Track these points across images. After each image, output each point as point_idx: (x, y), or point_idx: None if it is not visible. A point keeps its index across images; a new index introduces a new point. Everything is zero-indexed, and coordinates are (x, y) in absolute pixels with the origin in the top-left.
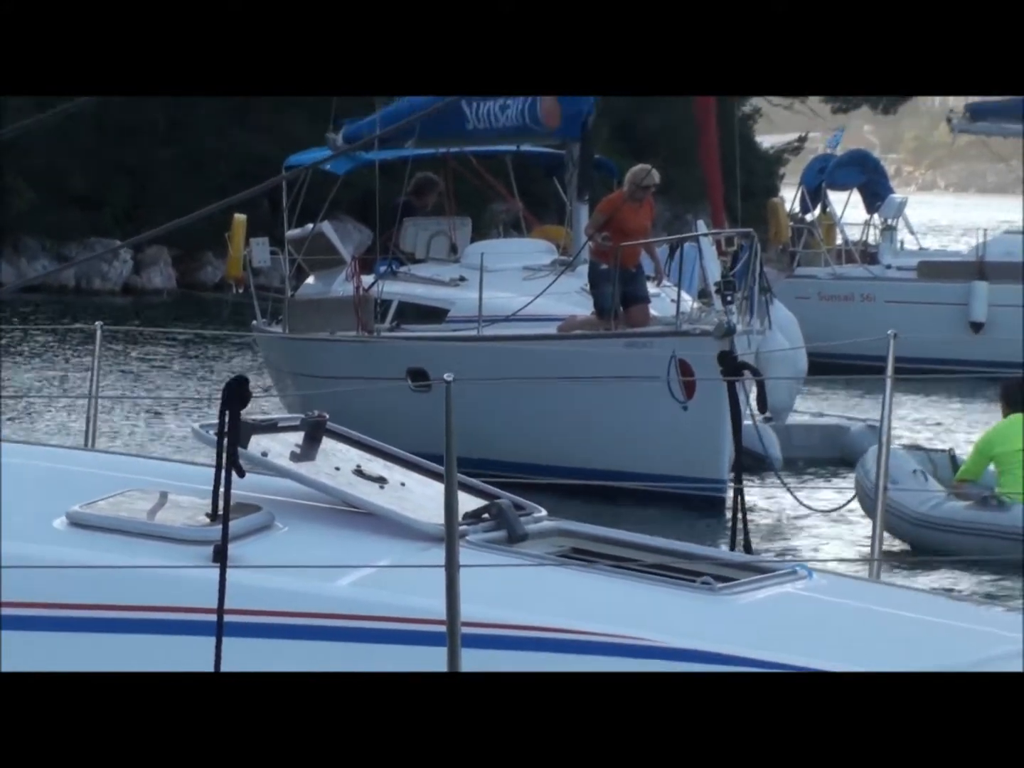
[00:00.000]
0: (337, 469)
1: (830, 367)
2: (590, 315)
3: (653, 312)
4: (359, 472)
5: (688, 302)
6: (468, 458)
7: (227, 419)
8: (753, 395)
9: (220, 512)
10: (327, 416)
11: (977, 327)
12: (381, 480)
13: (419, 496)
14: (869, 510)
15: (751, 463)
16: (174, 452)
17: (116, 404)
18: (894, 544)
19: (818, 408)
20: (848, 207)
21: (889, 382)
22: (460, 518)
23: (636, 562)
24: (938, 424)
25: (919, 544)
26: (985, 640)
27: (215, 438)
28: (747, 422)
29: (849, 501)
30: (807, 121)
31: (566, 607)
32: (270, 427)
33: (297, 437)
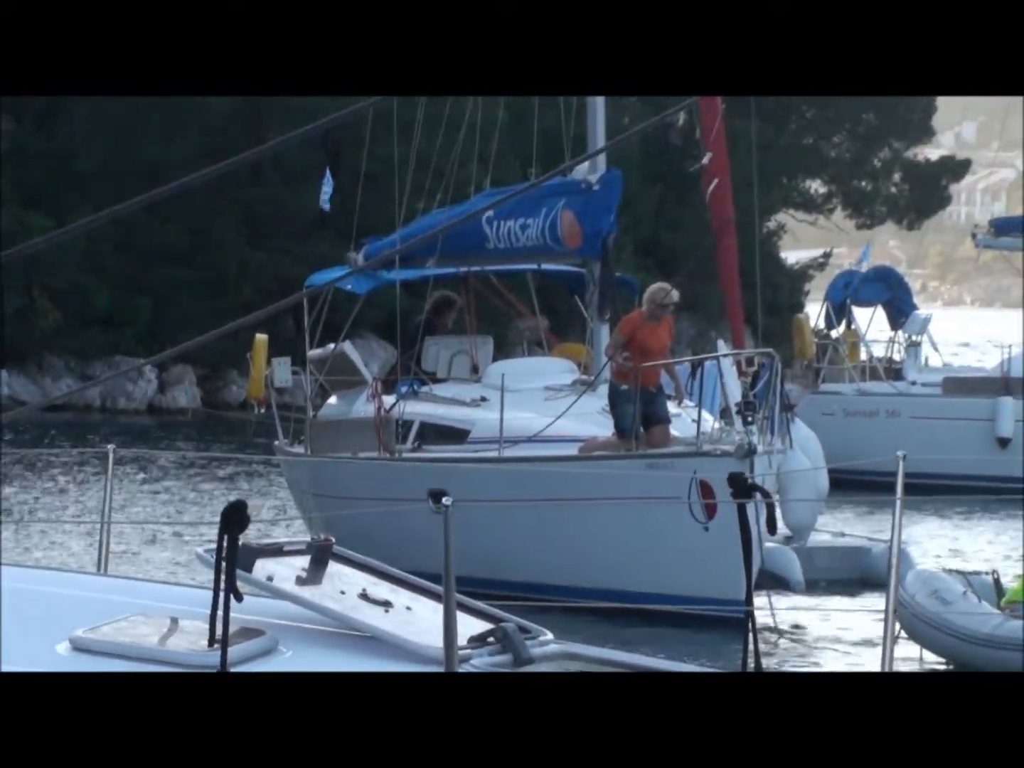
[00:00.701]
0: (342, 593)
1: (853, 484)
2: (611, 436)
3: (674, 432)
4: (364, 596)
5: (709, 422)
6: (488, 579)
7: (225, 543)
8: (764, 517)
9: (219, 637)
10: (333, 540)
11: (1004, 443)
12: (387, 604)
13: (424, 620)
14: (913, 632)
15: (773, 584)
16: (186, 575)
17: (133, 527)
18: (942, 664)
19: (839, 527)
20: (872, 323)
21: (899, 503)
22: (465, 642)
23: None
24: (968, 543)
25: (977, 665)
26: None
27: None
28: (771, 544)
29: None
30: (832, 236)
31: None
32: (275, 551)
33: (303, 561)
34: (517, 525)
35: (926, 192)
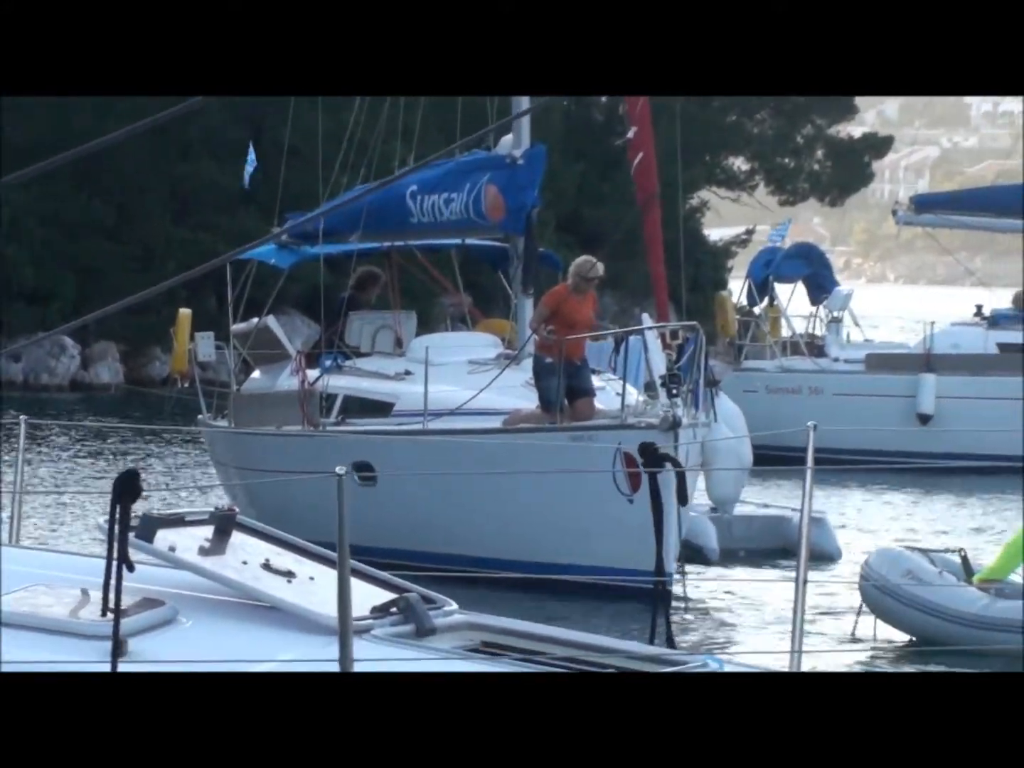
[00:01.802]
0: (245, 563)
1: (776, 459)
2: (535, 409)
3: (598, 405)
4: (267, 566)
5: (633, 395)
6: (413, 551)
7: (117, 513)
8: (674, 487)
9: (112, 606)
10: (237, 510)
11: (925, 419)
12: (289, 574)
13: (327, 590)
14: (882, 610)
15: (690, 554)
16: (100, 547)
17: (50, 499)
18: (904, 642)
19: (766, 500)
20: (794, 300)
21: (809, 473)
22: (368, 612)
23: (545, 655)
24: (890, 517)
25: (961, 643)
26: None
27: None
28: (693, 514)
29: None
30: (755, 213)
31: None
32: (177, 521)
33: (207, 531)
34: (442, 498)
35: (849, 169)
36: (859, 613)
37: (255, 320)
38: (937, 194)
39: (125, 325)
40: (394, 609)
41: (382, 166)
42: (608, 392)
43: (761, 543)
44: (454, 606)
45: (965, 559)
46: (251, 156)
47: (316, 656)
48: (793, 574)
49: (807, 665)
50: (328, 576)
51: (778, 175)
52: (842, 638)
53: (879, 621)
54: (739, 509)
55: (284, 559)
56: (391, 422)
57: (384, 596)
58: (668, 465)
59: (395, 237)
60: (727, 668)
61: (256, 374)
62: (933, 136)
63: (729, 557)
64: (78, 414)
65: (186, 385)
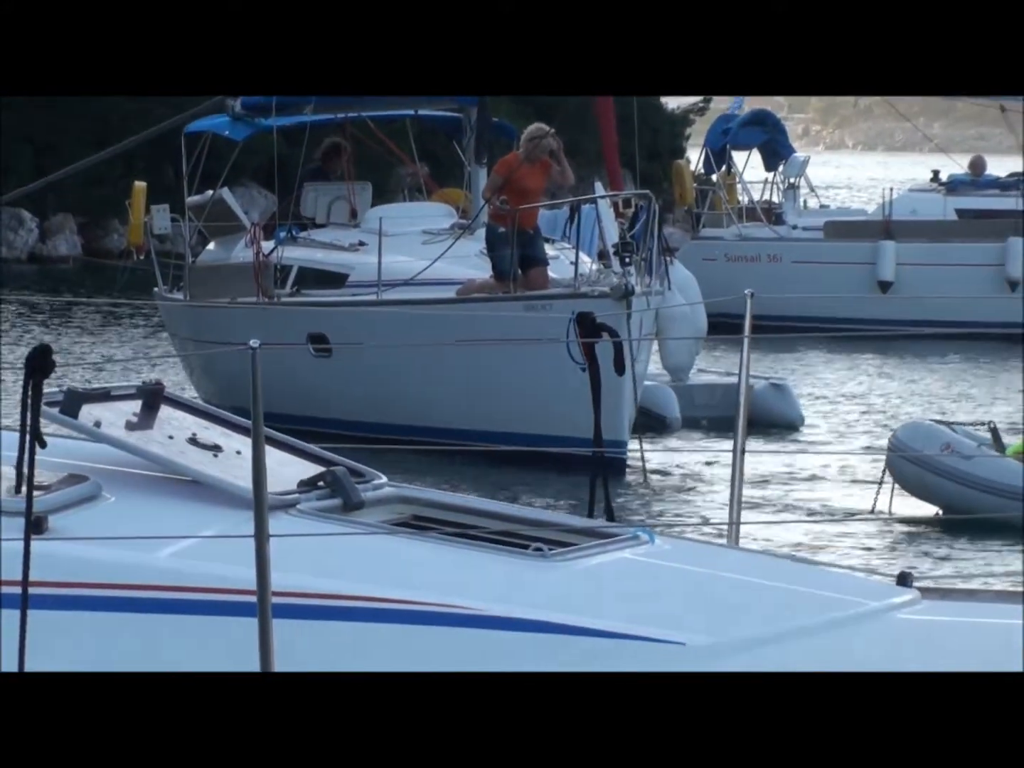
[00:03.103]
0: (171, 438)
1: (732, 327)
2: (489, 278)
3: (552, 274)
4: (193, 440)
5: (587, 264)
6: (367, 422)
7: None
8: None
9: (25, 483)
10: (164, 384)
11: (885, 286)
12: (216, 448)
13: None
14: (918, 485)
15: (652, 423)
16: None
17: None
18: (935, 514)
19: (727, 368)
20: (752, 167)
21: (746, 342)
22: (295, 486)
23: (476, 529)
24: (857, 384)
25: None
26: (820, 604)
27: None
28: (648, 382)
29: None
30: None
31: (389, 576)
32: (103, 396)
33: (134, 406)
34: (396, 368)
35: None
36: (880, 483)
37: (210, 192)
38: None
39: (83, 197)
40: (321, 483)
41: None
42: (562, 261)
43: (724, 411)
44: (383, 479)
45: (995, 432)
46: None
47: (237, 531)
48: (754, 443)
49: (745, 535)
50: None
51: None
52: (784, 507)
53: (899, 490)
54: (702, 377)
55: (212, 433)
56: (346, 293)
57: (313, 470)
58: (605, 335)
59: (349, 108)
60: (658, 541)
61: (211, 246)
62: None
63: (691, 425)
64: (35, 287)
65: (142, 257)
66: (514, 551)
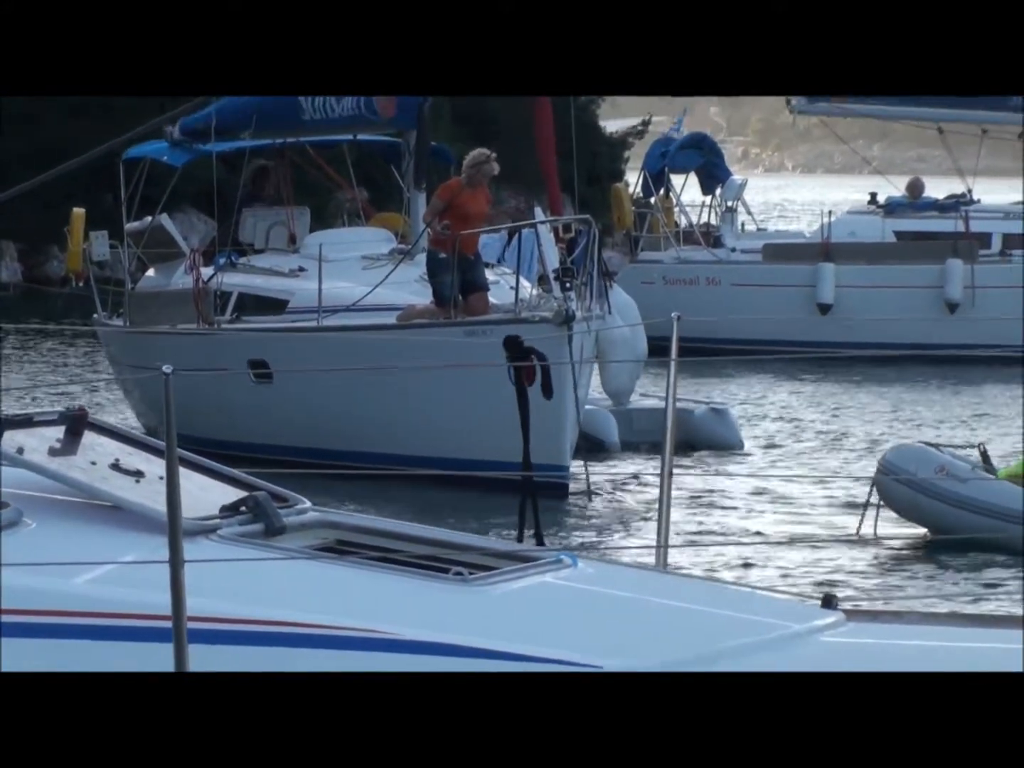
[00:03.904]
0: (93, 463)
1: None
2: (429, 304)
3: (492, 300)
4: (116, 466)
5: (527, 289)
6: (308, 448)
7: None
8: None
9: None
10: (88, 410)
11: (825, 308)
12: (138, 474)
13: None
14: (896, 502)
15: (590, 447)
16: None
17: None
18: (918, 532)
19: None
20: (690, 190)
21: (673, 365)
22: (216, 511)
23: (399, 553)
24: (797, 406)
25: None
26: (741, 627)
27: None
28: (588, 406)
29: None
30: (651, 104)
31: (307, 601)
32: (25, 422)
33: (58, 432)
34: (337, 394)
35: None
36: (866, 507)
37: (149, 219)
38: None
39: (23, 224)
40: (243, 508)
41: None
42: (502, 286)
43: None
44: (307, 504)
45: (985, 454)
46: None
47: (157, 556)
48: (692, 466)
49: (674, 560)
50: (180, 475)
51: None
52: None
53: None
54: (642, 402)
55: (135, 459)
56: (286, 319)
57: (237, 495)
58: (533, 358)
59: (287, 134)
60: (581, 564)
61: (151, 272)
62: None
63: (630, 449)
64: None
65: (81, 284)
66: (434, 575)
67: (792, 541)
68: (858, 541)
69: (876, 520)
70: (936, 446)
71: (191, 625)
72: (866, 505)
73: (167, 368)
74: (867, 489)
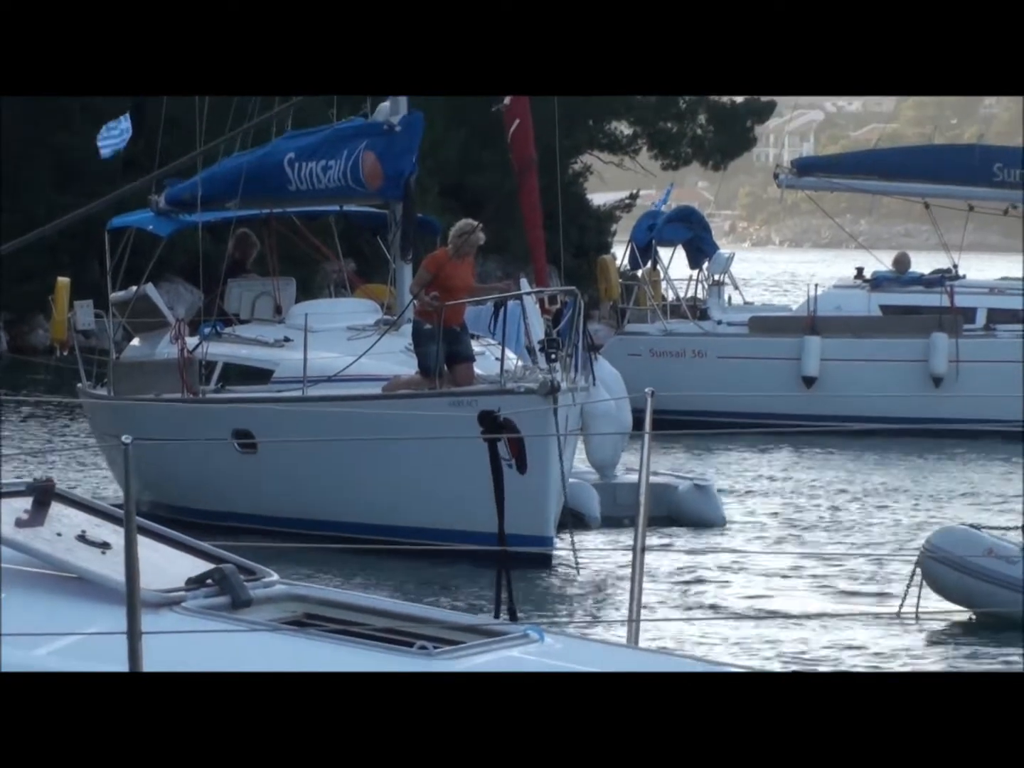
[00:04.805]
0: (59, 535)
1: (660, 424)
2: (415, 374)
3: (478, 371)
4: (82, 537)
5: (512, 360)
6: (293, 518)
7: None
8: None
9: None
10: (55, 481)
11: (810, 382)
12: (104, 545)
13: (145, 562)
14: (941, 585)
15: (572, 521)
16: None
17: None
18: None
19: (653, 467)
20: (677, 264)
21: (647, 438)
22: (183, 583)
23: (365, 626)
24: (786, 480)
25: None
26: None
27: None
28: (571, 480)
29: None
30: (638, 178)
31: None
32: None
33: (25, 503)
34: (322, 465)
35: (731, 134)
36: (908, 586)
37: (134, 288)
38: (818, 157)
39: (8, 293)
40: (209, 580)
41: (262, 135)
42: (488, 357)
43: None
44: (274, 577)
45: None
46: (125, 124)
47: (120, 628)
48: (677, 542)
49: (645, 637)
50: (146, 547)
51: (661, 139)
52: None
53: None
54: (627, 476)
55: (102, 531)
56: (271, 389)
57: (205, 567)
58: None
59: (273, 204)
60: (548, 639)
61: (136, 342)
62: (818, 101)
63: (613, 524)
64: None
65: (65, 353)
66: (399, 649)
67: (837, 615)
68: (898, 620)
69: (918, 599)
70: (978, 527)
71: None
72: (908, 585)
73: (126, 438)
74: (846, 565)
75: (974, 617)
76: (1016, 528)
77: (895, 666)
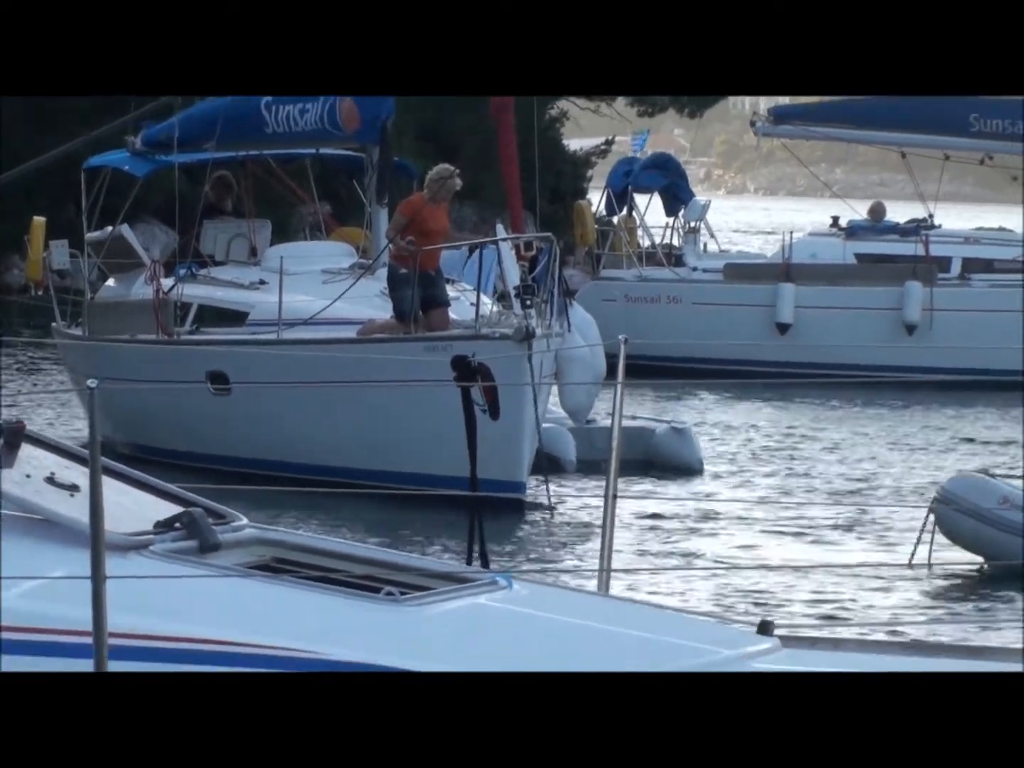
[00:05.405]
0: (28, 476)
1: (635, 369)
2: (389, 319)
3: (453, 316)
4: (51, 480)
5: (487, 306)
6: (267, 460)
7: None
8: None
9: None
10: (25, 423)
11: (784, 328)
12: (73, 488)
13: (113, 505)
14: (956, 532)
15: (548, 465)
16: None
17: None
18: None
19: (630, 411)
20: (653, 210)
21: (619, 388)
22: (151, 527)
23: (333, 572)
24: (761, 427)
25: None
26: (672, 652)
27: None
28: (547, 424)
29: None
30: (614, 124)
31: (235, 619)
32: None
33: None
34: (296, 407)
35: None
36: (920, 534)
37: (109, 228)
38: (795, 106)
39: None
40: (177, 524)
41: None
42: (463, 302)
43: (623, 454)
44: (244, 521)
45: None
46: None
47: (87, 572)
48: (655, 487)
49: (621, 585)
50: (114, 489)
51: None
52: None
53: None
54: (603, 420)
55: (71, 473)
56: (246, 331)
57: (173, 510)
58: (479, 378)
59: (250, 147)
60: (516, 586)
61: (111, 282)
62: None
63: (590, 468)
64: None
65: (40, 293)
66: (365, 595)
67: (857, 565)
68: (911, 568)
69: (931, 548)
70: (991, 475)
71: (113, 641)
72: (920, 532)
73: (92, 382)
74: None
75: (987, 566)
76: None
77: (913, 615)
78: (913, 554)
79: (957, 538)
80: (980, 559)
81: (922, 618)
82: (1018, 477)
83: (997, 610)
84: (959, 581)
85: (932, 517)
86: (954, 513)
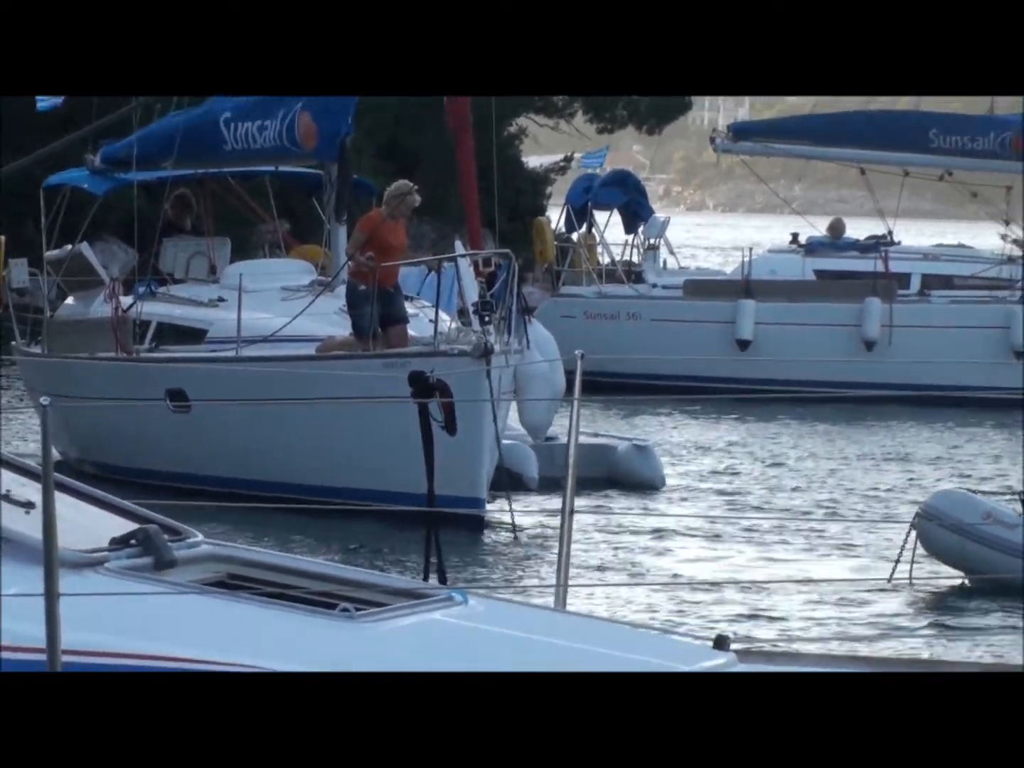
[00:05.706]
0: None
1: (594, 386)
2: (348, 336)
3: (412, 332)
4: (7, 497)
5: (446, 322)
6: (226, 477)
7: None
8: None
9: None
10: None
11: (744, 344)
12: (29, 505)
13: (68, 522)
14: (938, 548)
15: (509, 482)
16: None
17: None
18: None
19: (591, 428)
20: (612, 227)
21: (576, 404)
22: (106, 544)
23: (291, 588)
24: (719, 444)
25: None
26: (626, 667)
27: None
28: (507, 441)
29: None
30: (573, 141)
31: (189, 636)
32: None
33: None
34: (255, 425)
35: (666, 97)
36: (902, 550)
37: (69, 247)
38: (754, 122)
39: None
40: (133, 541)
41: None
42: (421, 319)
43: (585, 471)
44: (199, 537)
45: None
46: None
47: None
48: (610, 503)
49: (579, 601)
50: (70, 506)
51: (596, 102)
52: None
53: None
54: (565, 437)
55: (27, 490)
56: (205, 349)
57: (129, 527)
58: (437, 394)
59: (209, 164)
60: (472, 602)
61: (70, 300)
62: None
63: (551, 485)
64: None
65: (0, 311)
66: (321, 612)
67: (828, 581)
68: (892, 587)
69: (912, 565)
70: (976, 491)
71: (67, 659)
72: (902, 549)
73: (44, 400)
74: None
75: (968, 583)
76: (1014, 494)
77: (882, 631)
78: (893, 570)
79: (940, 554)
80: (960, 574)
81: (894, 633)
82: (990, 493)
83: (969, 626)
84: (939, 596)
85: (914, 533)
86: (937, 529)
